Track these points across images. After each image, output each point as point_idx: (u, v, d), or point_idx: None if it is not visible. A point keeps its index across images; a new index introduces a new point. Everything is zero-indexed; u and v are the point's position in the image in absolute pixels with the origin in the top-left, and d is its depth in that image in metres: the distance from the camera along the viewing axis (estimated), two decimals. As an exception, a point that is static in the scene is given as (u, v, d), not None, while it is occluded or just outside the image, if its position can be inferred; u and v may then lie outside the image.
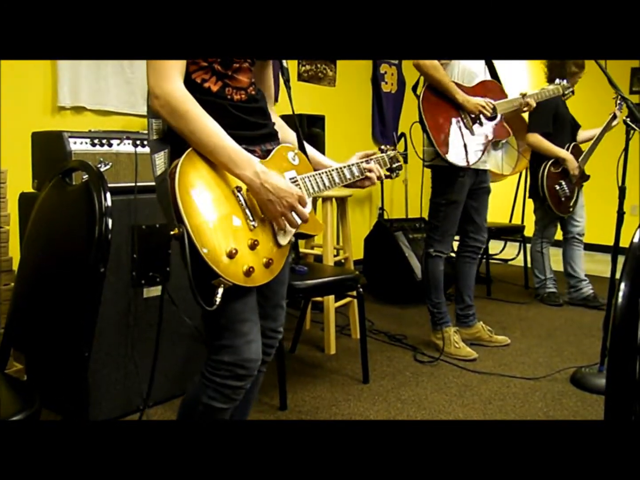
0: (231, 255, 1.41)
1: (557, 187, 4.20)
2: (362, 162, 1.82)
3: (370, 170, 1.82)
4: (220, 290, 1.41)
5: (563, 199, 4.21)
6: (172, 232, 1.35)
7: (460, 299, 3.50)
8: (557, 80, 3.61)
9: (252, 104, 1.63)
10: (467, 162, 3.08)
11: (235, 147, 1.46)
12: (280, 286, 1.76)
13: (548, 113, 4.17)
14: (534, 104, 3.27)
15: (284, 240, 1.59)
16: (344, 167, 1.78)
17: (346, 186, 1.81)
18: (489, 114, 3.09)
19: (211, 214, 1.42)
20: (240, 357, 1.54)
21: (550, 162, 4.21)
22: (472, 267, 3.49)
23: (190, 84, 1.47)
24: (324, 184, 1.73)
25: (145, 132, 2.61)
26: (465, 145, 3.08)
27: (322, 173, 1.72)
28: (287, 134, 1.81)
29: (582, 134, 4.42)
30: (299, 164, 1.70)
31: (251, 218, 1.51)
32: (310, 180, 1.69)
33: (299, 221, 1.56)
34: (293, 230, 1.62)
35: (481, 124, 3.12)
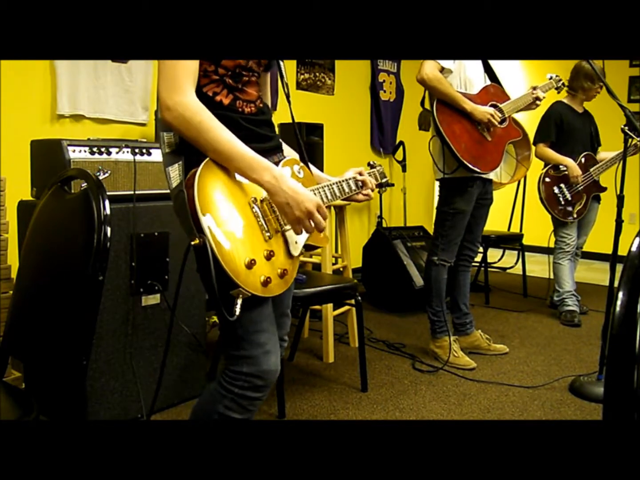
0: (249, 266, 1.43)
1: (556, 190, 4.22)
2: (357, 176, 1.89)
3: (364, 183, 1.89)
4: (239, 301, 1.42)
5: (562, 202, 4.21)
6: (193, 243, 1.36)
7: (456, 307, 3.50)
8: (549, 75, 3.62)
9: (260, 116, 1.65)
10: (492, 167, 3.13)
11: (252, 153, 1.47)
12: (287, 295, 1.79)
13: (550, 123, 4.24)
14: (543, 96, 3.30)
15: (295, 251, 1.62)
16: (343, 181, 1.83)
17: (344, 199, 1.87)
18: (496, 122, 3.10)
19: (229, 225, 1.43)
20: (258, 369, 1.54)
21: (549, 166, 4.25)
22: (467, 275, 3.50)
23: (201, 97, 1.48)
24: (331, 196, 1.77)
25: (144, 140, 2.63)
26: (485, 152, 3.11)
27: (328, 186, 1.76)
28: (286, 148, 1.84)
29: (600, 154, 4.39)
30: (304, 178, 1.73)
31: (266, 229, 1.53)
32: (319, 192, 1.71)
33: (314, 228, 1.57)
34: (303, 242, 1.65)
35: (491, 129, 3.14)
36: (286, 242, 1.59)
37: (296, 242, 1.62)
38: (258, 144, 1.58)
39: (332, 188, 1.77)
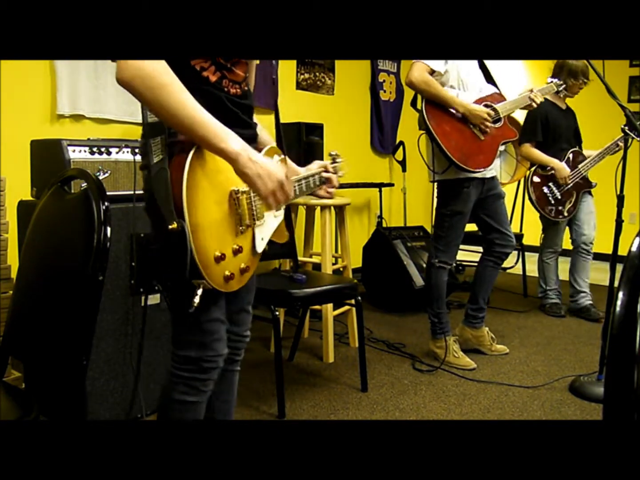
0: (218, 260, 1.42)
1: (545, 190, 4.19)
2: (323, 173, 1.86)
3: (329, 181, 1.88)
4: (200, 292, 1.41)
5: (553, 201, 4.18)
6: (170, 227, 1.33)
7: (474, 299, 3.49)
8: (549, 79, 3.62)
9: (244, 100, 1.61)
10: (483, 166, 3.10)
11: (217, 122, 1.37)
12: (246, 292, 1.77)
13: (535, 122, 4.20)
14: (540, 100, 3.28)
15: (260, 248, 1.61)
16: (311, 176, 1.81)
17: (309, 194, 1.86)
18: (489, 124, 3.09)
19: (208, 215, 1.42)
20: (206, 353, 1.57)
21: (536, 166, 4.23)
22: (494, 272, 3.45)
23: (188, 70, 1.44)
24: (299, 192, 1.75)
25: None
26: (477, 150, 3.09)
27: (298, 181, 1.74)
28: (263, 135, 1.80)
29: (584, 152, 4.36)
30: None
31: (240, 223, 1.51)
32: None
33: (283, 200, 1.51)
34: (268, 238, 1.65)
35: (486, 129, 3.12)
36: (253, 238, 1.58)
37: (262, 239, 1.62)
38: (238, 129, 1.53)
39: (301, 184, 1.75)
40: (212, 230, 1.42)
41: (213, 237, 1.42)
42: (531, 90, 3.27)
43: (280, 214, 1.71)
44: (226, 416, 1.86)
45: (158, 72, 1.31)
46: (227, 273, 1.45)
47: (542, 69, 4.40)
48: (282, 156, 1.74)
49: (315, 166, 1.86)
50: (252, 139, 1.64)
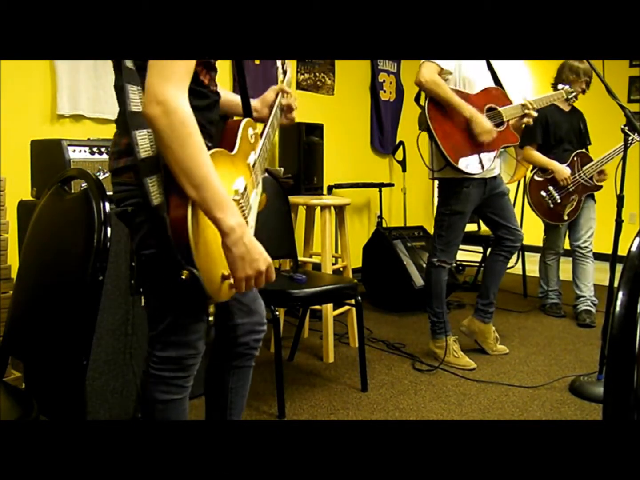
0: (224, 278, 1.43)
1: (544, 194, 4.17)
2: (282, 100, 1.83)
3: (289, 108, 1.85)
4: (212, 310, 1.42)
5: (552, 205, 4.16)
6: (182, 277, 1.29)
7: (485, 294, 3.50)
8: (560, 85, 3.62)
9: (218, 97, 1.60)
10: (480, 169, 3.10)
11: (222, 189, 1.32)
12: None
13: (536, 125, 4.13)
14: (534, 112, 3.25)
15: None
16: (273, 116, 1.77)
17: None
18: (487, 142, 3.09)
19: (213, 242, 1.39)
20: (187, 352, 1.57)
21: (536, 169, 4.22)
22: (504, 266, 3.47)
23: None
24: (269, 144, 1.74)
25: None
26: (475, 153, 3.09)
27: (266, 139, 1.72)
28: (228, 96, 1.76)
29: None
30: (254, 142, 1.67)
31: None
32: (261, 154, 1.68)
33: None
34: (255, 218, 1.64)
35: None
36: None
37: (251, 227, 1.60)
38: (214, 128, 1.53)
39: (269, 134, 1.73)
40: (216, 254, 1.40)
41: (218, 259, 1.40)
42: (525, 105, 3.23)
43: (260, 187, 1.68)
44: (241, 411, 1.86)
45: (188, 120, 1.27)
46: (232, 282, 1.44)
47: (545, 70, 4.39)
48: (256, 130, 1.70)
49: (272, 94, 1.81)
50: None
